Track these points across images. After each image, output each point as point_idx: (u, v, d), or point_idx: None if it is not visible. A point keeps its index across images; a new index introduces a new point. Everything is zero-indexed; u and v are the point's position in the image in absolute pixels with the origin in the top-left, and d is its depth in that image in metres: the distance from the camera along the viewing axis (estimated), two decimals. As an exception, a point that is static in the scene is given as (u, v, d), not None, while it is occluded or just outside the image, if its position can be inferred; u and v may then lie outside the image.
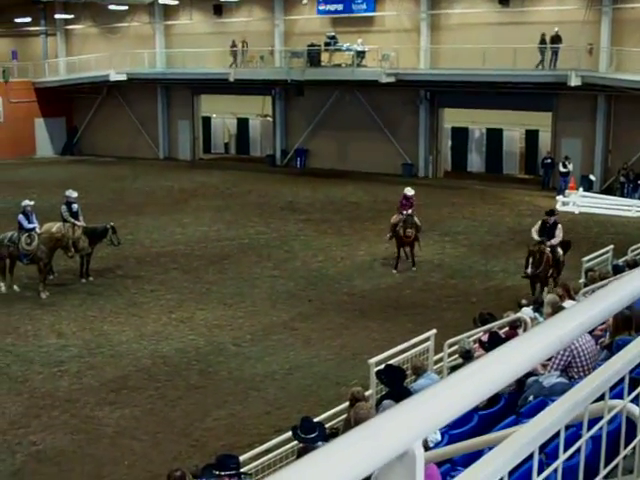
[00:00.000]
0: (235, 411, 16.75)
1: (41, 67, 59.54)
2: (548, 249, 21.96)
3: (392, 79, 43.91)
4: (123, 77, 53.44)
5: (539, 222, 22.57)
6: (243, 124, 56.62)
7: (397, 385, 11.17)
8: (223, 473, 8.86)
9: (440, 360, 15.22)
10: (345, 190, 41.67)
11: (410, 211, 26.48)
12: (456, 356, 14.10)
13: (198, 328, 21.71)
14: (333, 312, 22.81)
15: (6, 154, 54.62)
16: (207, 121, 57.17)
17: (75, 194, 25.94)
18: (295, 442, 11.40)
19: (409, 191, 27.19)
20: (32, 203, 25.23)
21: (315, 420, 10.85)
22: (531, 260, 21.84)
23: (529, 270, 21.92)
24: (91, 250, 25.81)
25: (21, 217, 24.65)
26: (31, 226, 24.54)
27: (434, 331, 15.62)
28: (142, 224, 34.08)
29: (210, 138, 57.75)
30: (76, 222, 25.45)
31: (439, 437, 8.60)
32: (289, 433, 11.38)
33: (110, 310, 23.21)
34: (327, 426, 11.57)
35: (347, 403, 12.23)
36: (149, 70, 54.82)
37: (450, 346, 14.86)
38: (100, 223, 26.39)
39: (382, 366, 12.69)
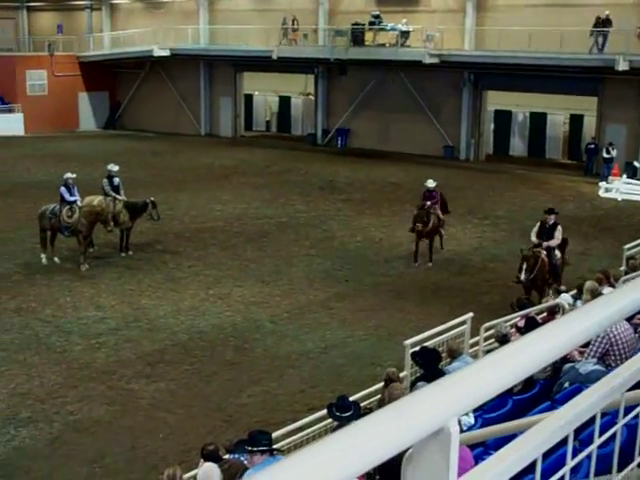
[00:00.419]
0: (270, 388, 16.83)
1: (86, 41, 59.84)
2: (544, 253, 20.39)
3: (436, 60, 43.63)
4: (166, 53, 53.57)
5: (538, 223, 21.01)
6: (285, 102, 56.59)
7: (432, 367, 11.17)
8: (255, 449, 8.91)
9: (476, 344, 15.19)
10: (386, 171, 41.54)
11: (428, 204, 25.37)
12: (492, 340, 14.07)
13: (235, 305, 21.80)
14: (370, 293, 22.81)
15: (50, 127, 55.04)
16: (249, 98, 57.21)
17: (117, 168, 26.11)
18: (329, 421, 11.45)
19: (430, 183, 25.97)
20: (74, 176, 25.41)
21: (350, 399, 10.88)
22: (525, 266, 20.04)
23: (522, 276, 20.03)
24: (131, 224, 25.98)
25: (63, 189, 24.83)
26: (72, 199, 24.72)
27: (471, 314, 15.58)
28: (182, 200, 34.22)
29: (252, 115, 57.82)
30: (117, 196, 25.62)
31: (472, 420, 8.59)
32: (323, 411, 11.44)
33: (148, 284, 23.38)
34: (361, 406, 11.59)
35: (382, 383, 12.26)
36: (192, 46, 54.89)
37: (486, 330, 14.81)
38: (140, 198, 26.54)
39: (417, 348, 12.70)
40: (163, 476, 9.88)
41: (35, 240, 26.04)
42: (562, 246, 21.13)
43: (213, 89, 56.65)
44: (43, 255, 25.06)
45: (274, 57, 48.39)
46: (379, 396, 12.23)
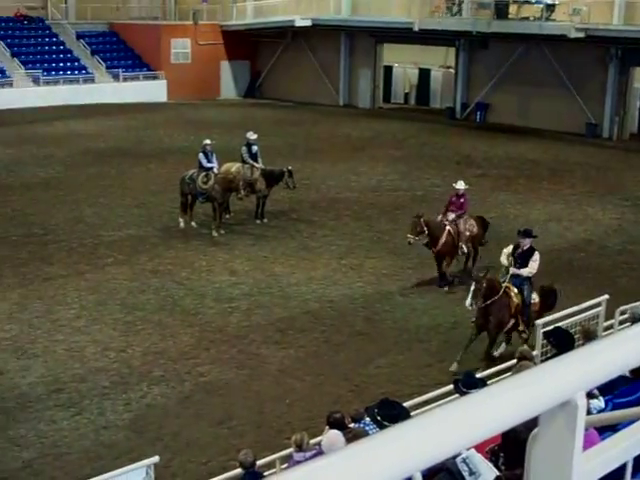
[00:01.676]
0: (397, 360, 16.86)
1: (229, 10, 60.53)
2: (514, 291, 16.39)
3: (581, 34, 42.47)
4: (308, 23, 53.73)
5: (510, 245, 17.09)
6: (424, 75, 56.17)
7: (566, 348, 11.00)
8: (386, 423, 8.91)
9: (610, 327, 14.86)
10: (524, 147, 40.85)
11: (452, 216, 21.01)
12: (628, 324, 13.76)
13: (366, 276, 21.88)
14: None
15: (192, 95, 56.03)
16: (388, 70, 56.99)
17: (255, 136, 26.42)
18: (455, 396, 11.40)
19: (460, 185, 21.45)
20: (212, 142, 25.83)
21: (477, 376, 10.82)
22: (473, 288, 16.12)
23: (467, 301, 16.15)
24: (268, 192, 26.29)
25: (201, 156, 25.27)
26: (209, 165, 25.13)
27: (606, 296, 15.26)
28: (318, 170, 34.42)
29: (390, 87, 57.59)
30: (255, 164, 25.95)
31: (602, 404, 8.44)
32: (450, 387, 11.40)
33: (282, 252, 23.66)
34: (488, 383, 11.51)
35: (513, 361, 12.14)
36: (333, 17, 54.87)
37: (622, 313, 14.48)
38: (278, 166, 26.81)
39: (550, 327, 12.53)
40: (290, 441, 10.03)
41: (173, 205, 26.69)
42: (546, 295, 17.01)
43: (353, 60, 56.63)
44: (181, 219, 25.61)
45: (415, 29, 47.97)
46: (509, 374, 12.11)
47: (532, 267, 16.56)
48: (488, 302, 15.96)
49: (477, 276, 16.49)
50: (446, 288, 20.73)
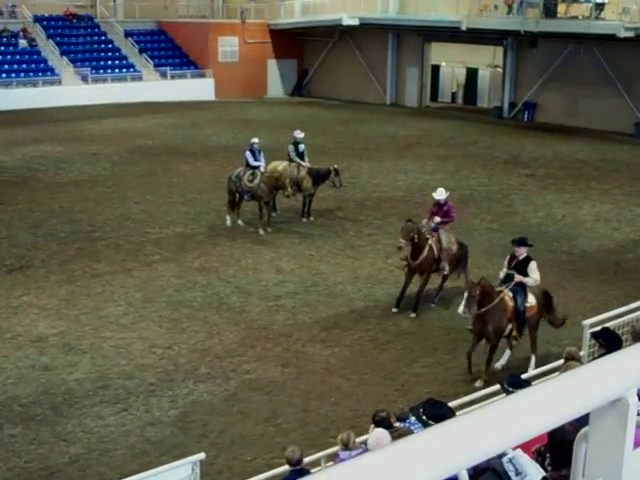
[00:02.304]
0: (443, 360, 16.80)
1: (277, 9, 60.67)
2: (509, 295, 15.85)
3: (631, 34, 42.00)
4: (355, 22, 53.67)
5: (509, 255, 16.39)
6: (472, 74, 55.93)
7: (614, 349, 10.88)
8: (431, 422, 8.87)
9: (659, 328, 14.69)
10: (573, 147, 40.52)
11: (437, 219, 19.44)
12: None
13: (412, 275, 21.77)
14: (549, 270, 22.31)
15: (240, 93, 56.29)
16: (436, 69, 56.81)
17: (302, 135, 26.46)
18: (502, 396, 11.34)
19: (440, 194, 19.74)
20: (259, 141, 25.89)
21: (523, 377, 10.76)
22: (467, 295, 15.54)
23: (460, 309, 15.65)
24: (314, 191, 26.31)
25: (248, 154, 25.33)
26: (256, 163, 25.19)
27: (655, 297, 15.11)
28: (365, 168, 34.39)
29: (438, 86, 57.40)
30: (301, 162, 25.99)
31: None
32: (496, 386, 11.34)
33: (328, 251, 23.67)
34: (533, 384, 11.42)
35: (558, 362, 12.06)
36: (381, 15, 54.77)
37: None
38: (324, 165, 26.82)
39: (598, 328, 12.40)
40: (337, 439, 10.03)
41: (220, 202, 26.81)
42: (547, 301, 16.40)
43: (400, 59, 56.53)
44: (228, 217, 25.72)
45: (463, 28, 47.78)
46: (556, 374, 12.02)
47: (535, 277, 15.92)
48: (483, 309, 15.47)
49: (471, 282, 15.84)
50: (413, 315, 19.09)
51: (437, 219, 19.32)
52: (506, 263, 16.19)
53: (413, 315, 19.03)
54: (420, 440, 1.44)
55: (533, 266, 15.96)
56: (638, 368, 1.61)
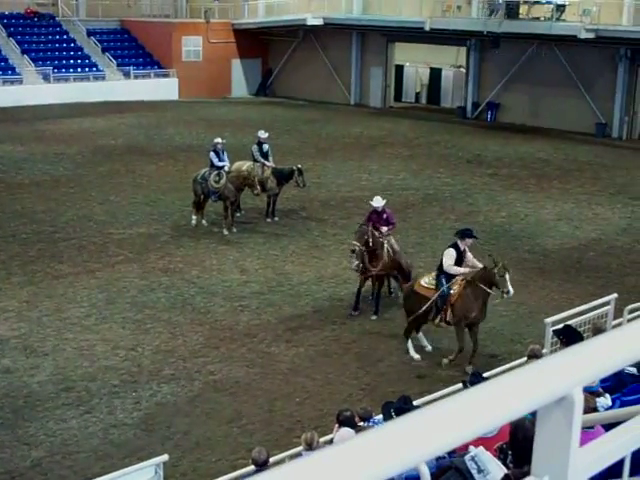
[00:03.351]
0: (407, 359, 16.84)
1: (241, 9, 60.58)
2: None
3: (591, 35, 42.42)
4: (319, 21, 53.72)
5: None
6: (436, 74, 56.14)
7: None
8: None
9: (619, 325, 14.85)
10: (535, 146, 40.82)
11: (384, 229, 19.01)
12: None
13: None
14: (513, 269, 22.35)
15: (203, 93, 56.13)
16: (400, 69, 56.97)
17: (266, 135, 26.44)
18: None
19: (377, 202, 19.26)
20: (223, 141, 25.82)
21: (484, 375, 10.81)
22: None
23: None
24: (278, 191, 26.31)
25: (212, 154, 25.26)
26: (221, 164, 25.13)
27: (615, 295, 15.26)
28: (329, 168, 34.43)
29: (402, 86, 57.57)
30: (265, 162, 25.96)
31: (609, 402, 8.43)
32: (458, 385, 11.40)
33: (292, 251, 23.67)
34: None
35: (524, 359, 12.14)
36: (345, 15, 54.87)
37: (630, 312, 14.49)
38: (289, 165, 26.82)
39: (560, 326, 12.52)
40: (300, 439, 10.04)
41: (183, 203, 26.76)
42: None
43: (364, 59, 56.64)
44: (194, 217, 25.66)
45: (427, 28, 47.97)
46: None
47: (445, 263, 16.11)
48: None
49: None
50: (374, 317, 18.97)
51: (384, 229, 18.91)
52: (453, 254, 16.14)
53: (374, 317, 18.96)
54: (375, 435, 1.44)
55: (471, 256, 16.41)
56: (584, 366, 1.63)
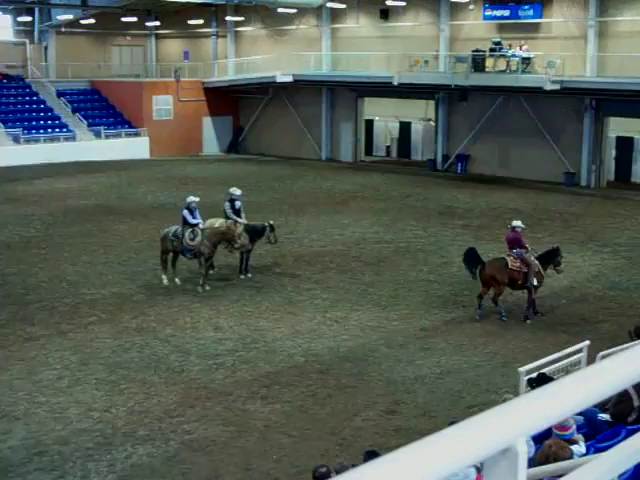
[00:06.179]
0: (384, 413, 16.78)
1: (211, 67, 61.09)
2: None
3: (557, 86, 43.04)
4: (289, 79, 54.22)
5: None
6: (405, 128, 56.62)
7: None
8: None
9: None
10: (505, 197, 41.17)
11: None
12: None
13: (352, 328, 21.84)
14: (487, 319, 22.58)
15: (175, 151, 56.33)
16: (369, 124, 57.45)
17: (239, 192, 26.48)
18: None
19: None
20: (197, 199, 25.84)
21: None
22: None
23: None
24: (251, 247, 26.31)
25: (186, 212, 25.29)
26: (195, 221, 25.16)
27: (587, 342, 15.35)
28: (302, 223, 34.53)
29: (372, 141, 58.02)
30: (238, 219, 25.98)
31: (584, 450, 8.43)
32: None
33: (266, 307, 23.62)
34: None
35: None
36: (315, 72, 55.47)
37: (603, 358, 14.51)
38: (261, 221, 26.86)
39: (535, 374, 12.55)
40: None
41: (156, 261, 26.66)
42: None
43: (334, 114, 57.13)
44: (164, 276, 25.58)
45: (395, 83, 48.48)
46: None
47: None
48: None
49: None
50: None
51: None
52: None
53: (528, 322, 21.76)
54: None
55: None
56: (527, 417, 1.65)
